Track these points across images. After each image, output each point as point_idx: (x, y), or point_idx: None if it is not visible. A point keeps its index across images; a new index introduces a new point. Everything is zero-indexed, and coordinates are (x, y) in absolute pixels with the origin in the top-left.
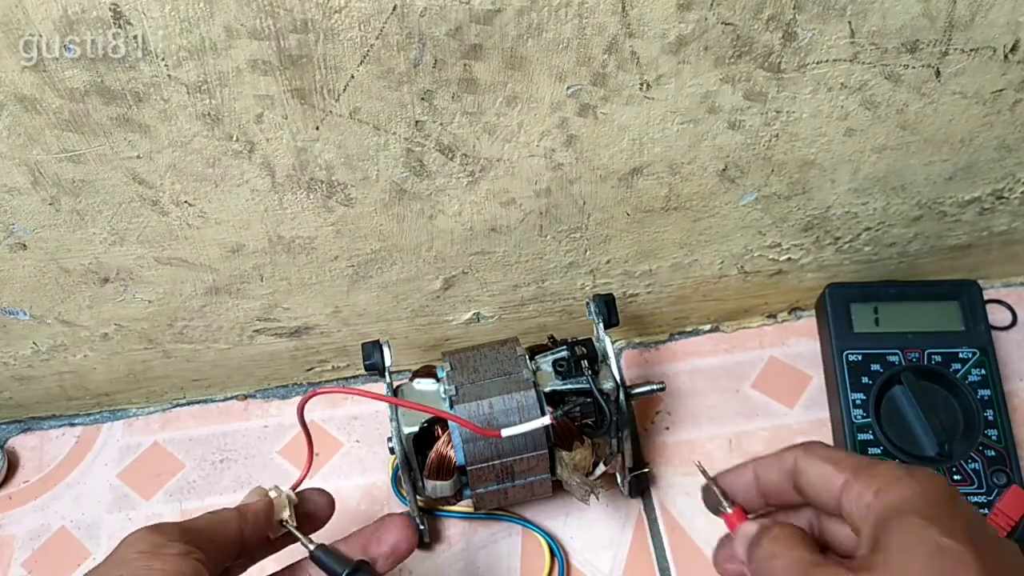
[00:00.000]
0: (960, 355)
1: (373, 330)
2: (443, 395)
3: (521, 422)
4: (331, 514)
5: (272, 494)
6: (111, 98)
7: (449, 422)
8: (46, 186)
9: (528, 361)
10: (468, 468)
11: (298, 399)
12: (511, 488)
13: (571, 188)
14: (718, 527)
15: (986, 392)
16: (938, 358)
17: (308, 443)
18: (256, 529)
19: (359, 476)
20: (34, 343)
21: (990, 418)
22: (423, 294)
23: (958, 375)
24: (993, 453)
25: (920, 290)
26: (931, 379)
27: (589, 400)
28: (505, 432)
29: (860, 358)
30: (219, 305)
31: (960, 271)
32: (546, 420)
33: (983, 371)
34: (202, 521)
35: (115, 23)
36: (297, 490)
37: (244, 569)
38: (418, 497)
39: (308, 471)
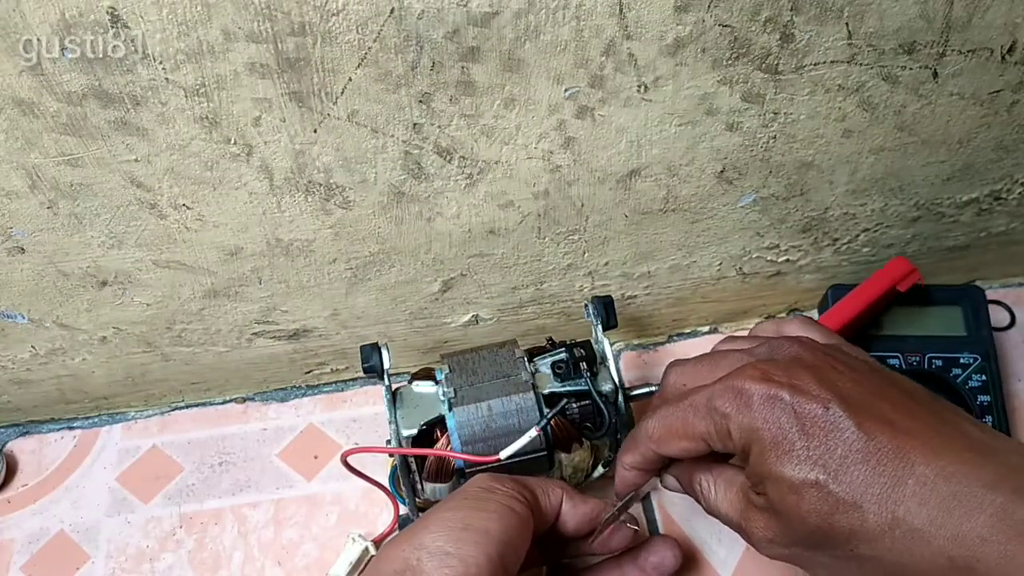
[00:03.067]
0: (961, 360)
1: (372, 332)
2: (442, 397)
3: (520, 424)
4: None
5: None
6: (109, 101)
7: (449, 427)
8: (44, 190)
9: (527, 363)
10: (467, 471)
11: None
12: None
13: (569, 190)
14: (717, 528)
15: (986, 398)
16: (939, 363)
17: (387, 494)
18: (576, 519)
19: (358, 478)
20: (32, 347)
21: (989, 424)
22: (422, 296)
23: (958, 380)
24: None
25: (923, 295)
26: (930, 383)
27: (587, 402)
28: (503, 454)
29: None
30: (217, 308)
31: (958, 272)
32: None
33: (984, 377)
34: (535, 482)
35: (112, 26)
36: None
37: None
38: (417, 499)
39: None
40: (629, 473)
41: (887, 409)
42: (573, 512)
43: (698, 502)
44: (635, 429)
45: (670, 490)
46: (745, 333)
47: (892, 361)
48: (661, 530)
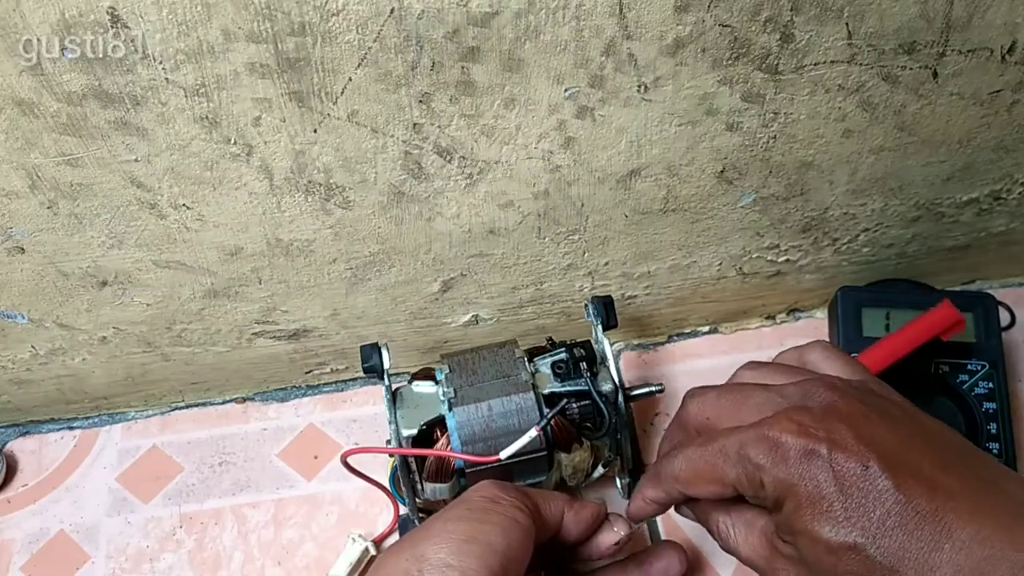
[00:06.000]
0: (969, 367)
1: (372, 332)
2: (442, 398)
3: (520, 424)
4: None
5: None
6: (109, 101)
7: (449, 427)
8: (44, 190)
9: (527, 363)
10: (467, 471)
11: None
12: None
13: (569, 190)
14: None
15: (992, 405)
16: (945, 368)
17: (388, 495)
18: (579, 526)
19: (358, 478)
20: (33, 347)
21: (993, 431)
22: (422, 296)
23: (964, 386)
24: None
25: (934, 299)
26: (937, 389)
27: (587, 402)
28: (503, 454)
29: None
30: (217, 308)
31: (958, 272)
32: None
33: (991, 384)
34: (536, 493)
35: (112, 26)
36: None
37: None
38: (417, 499)
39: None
40: (648, 507)
41: (926, 466)
42: (576, 520)
43: (714, 538)
44: (660, 464)
45: (685, 518)
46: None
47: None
48: (663, 531)
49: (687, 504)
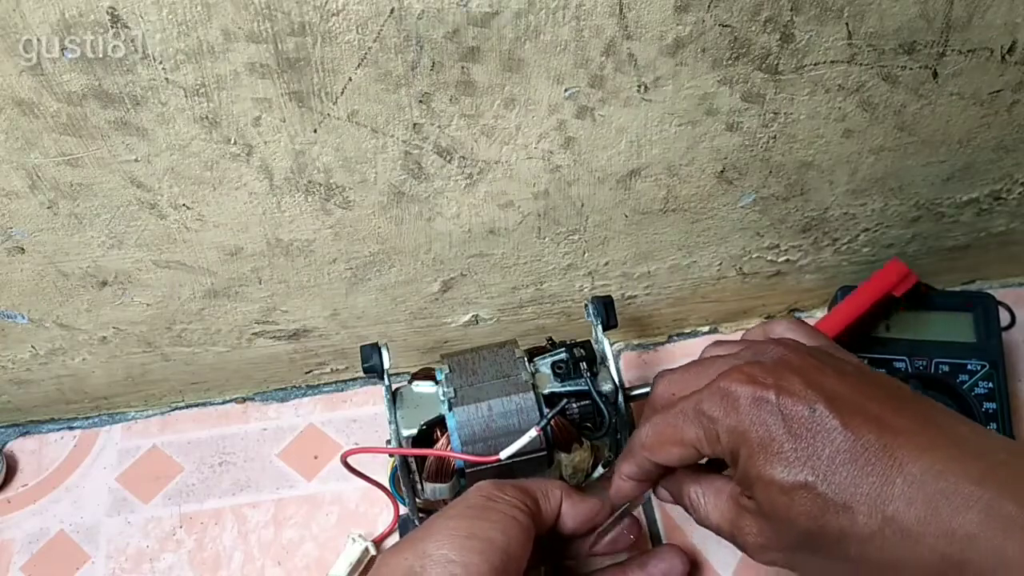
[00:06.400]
0: (969, 367)
1: (372, 332)
2: (442, 397)
3: (520, 424)
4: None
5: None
6: (109, 101)
7: (449, 427)
8: (44, 190)
9: (527, 363)
10: (467, 471)
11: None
12: None
13: (569, 190)
14: None
15: (992, 405)
16: (945, 367)
17: (388, 495)
18: (576, 519)
19: (358, 478)
20: (33, 347)
21: (994, 430)
22: (421, 296)
23: (964, 386)
24: None
25: (934, 299)
26: (936, 388)
27: (587, 402)
28: (503, 454)
29: (866, 362)
30: (217, 308)
31: (958, 272)
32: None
33: (991, 384)
34: (536, 486)
35: (112, 26)
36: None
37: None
38: (417, 499)
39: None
40: (626, 484)
41: (873, 407)
42: (573, 512)
43: (690, 514)
44: (630, 439)
45: (664, 501)
46: (741, 335)
47: (899, 364)
48: (663, 532)
49: (662, 483)
